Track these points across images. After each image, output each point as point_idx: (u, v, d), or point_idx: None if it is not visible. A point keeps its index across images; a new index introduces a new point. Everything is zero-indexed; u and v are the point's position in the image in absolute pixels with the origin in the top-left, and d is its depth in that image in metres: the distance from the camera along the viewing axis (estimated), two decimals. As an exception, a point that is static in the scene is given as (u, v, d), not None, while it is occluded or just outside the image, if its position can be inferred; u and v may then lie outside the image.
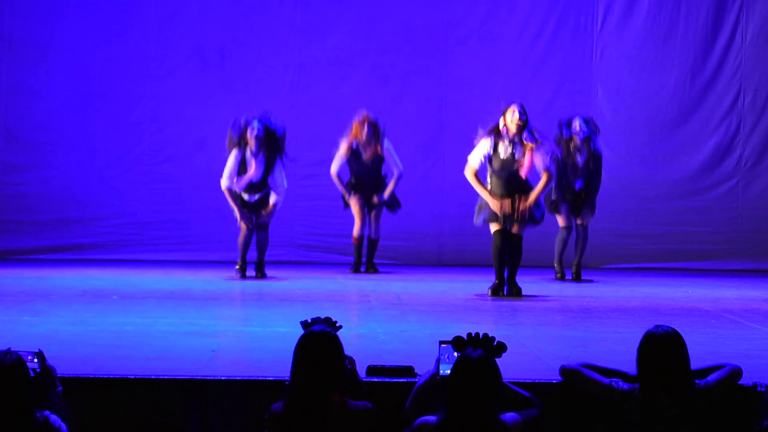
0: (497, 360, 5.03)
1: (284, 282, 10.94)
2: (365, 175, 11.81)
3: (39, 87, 13.06)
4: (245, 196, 11.19)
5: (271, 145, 11.08)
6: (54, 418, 4.93)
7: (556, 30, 13.30)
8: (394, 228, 12.64)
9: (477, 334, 5.09)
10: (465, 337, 5.12)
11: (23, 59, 13.10)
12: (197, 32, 13.17)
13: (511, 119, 9.88)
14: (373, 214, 11.94)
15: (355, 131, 11.71)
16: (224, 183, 11.15)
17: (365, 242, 11.96)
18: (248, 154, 11.07)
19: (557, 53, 13.29)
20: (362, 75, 13.09)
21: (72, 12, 13.10)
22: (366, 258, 11.99)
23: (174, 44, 13.16)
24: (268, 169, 11.12)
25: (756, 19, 13.28)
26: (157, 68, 13.15)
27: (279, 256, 12.66)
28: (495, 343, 5.07)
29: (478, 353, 4.97)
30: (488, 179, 9.98)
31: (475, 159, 9.99)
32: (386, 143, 11.77)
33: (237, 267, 11.24)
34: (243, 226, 11.21)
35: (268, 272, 11.27)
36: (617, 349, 6.72)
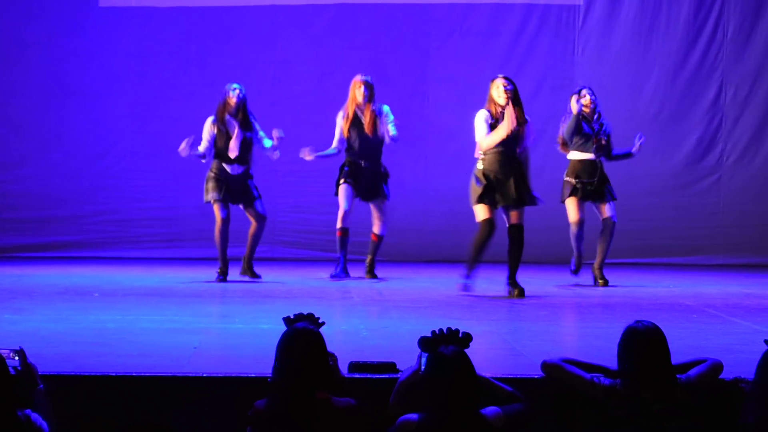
0: (472, 354, 5.04)
1: (266, 279, 10.92)
2: (365, 149, 11.09)
3: (18, 84, 13.03)
4: (228, 168, 10.74)
5: (247, 115, 10.80)
6: (35, 416, 4.91)
7: (539, 26, 13.32)
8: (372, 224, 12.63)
9: (441, 329, 5.10)
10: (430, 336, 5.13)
11: (6, 58, 13.08)
12: (178, 29, 13.16)
13: (497, 94, 9.67)
14: (374, 205, 11.24)
15: (352, 95, 11.34)
16: (203, 146, 10.78)
17: (366, 238, 11.35)
18: (229, 123, 10.75)
19: (539, 49, 13.31)
20: (344, 71, 13.05)
21: (51, 9, 13.07)
22: (368, 259, 11.27)
23: (155, 41, 13.14)
24: (249, 141, 10.79)
25: (737, 14, 13.32)
26: (137, 65, 13.13)
27: (261, 253, 12.63)
28: (461, 335, 5.08)
29: (451, 349, 4.99)
30: (480, 159, 9.68)
31: (480, 134, 9.67)
32: (386, 109, 11.30)
33: (219, 270, 10.72)
34: (217, 212, 10.71)
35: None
36: (598, 344, 6.73)
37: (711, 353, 5.66)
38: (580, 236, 10.86)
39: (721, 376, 5.47)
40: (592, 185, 10.92)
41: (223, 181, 10.76)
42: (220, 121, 10.79)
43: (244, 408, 5.18)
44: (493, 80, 9.75)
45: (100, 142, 13.13)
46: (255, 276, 10.82)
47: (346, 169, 11.14)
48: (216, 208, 10.75)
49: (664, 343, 5.22)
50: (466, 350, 5.05)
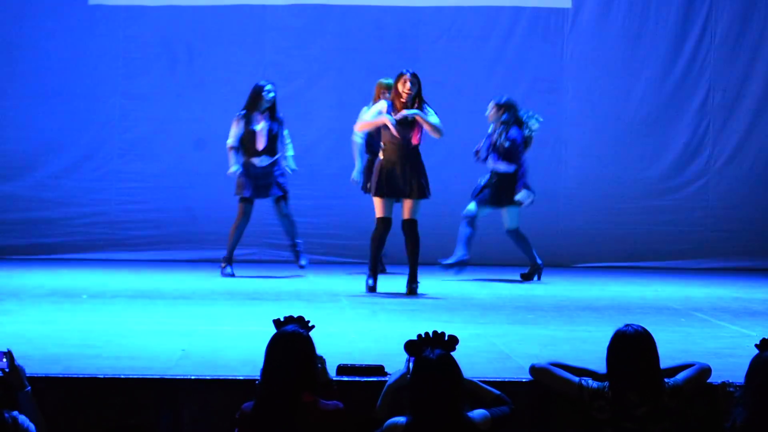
0: (460, 357, 5.04)
1: (255, 281, 10.92)
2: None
3: (5, 85, 12.98)
4: (255, 161, 11.16)
5: (276, 111, 11.23)
6: (22, 418, 4.90)
7: (527, 29, 13.31)
8: (363, 226, 12.62)
9: (427, 333, 5.10)
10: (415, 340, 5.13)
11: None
12: (166, 29, 13.12)
13: (402, 89, 9.99)
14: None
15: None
16: (230, 141, 11.19)
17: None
18: (254, 118, 11.14)
19: (528, 53, 13.30)
20: (332, 74, 13.08)
21: (40, 9, 13.03)
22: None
23: (143, 42, 13.11)
24: (276, 133, 11.19)
25: (725, 19, 13.34)
26: (125, 66, 13.10)
27: (249, 255, 12.64)
28: (446, 338, 5.08)
29: (437, 353, 4.99)
30: (381, 147, 10.07)
31: (368, 114, 10.21)
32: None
33: (222, 263, 11.13)
34: (241, 207, 11.17)
35: (238, 271, 11.22)
36: (587, 348, 6.74)
37: (699, 357, 5.67)
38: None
39: (708, 381, 5.48)
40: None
41: (251, 177, 11.15)
42: (247, 117, 11.16)
43: (232, 410, 5.17)
44: (400, 74, 10.06)
45: (87, 144, 13.08)
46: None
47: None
48: (241, 205, 11.23)
49: (653, 347, 5.23)
50: (453, 353, 5.05)
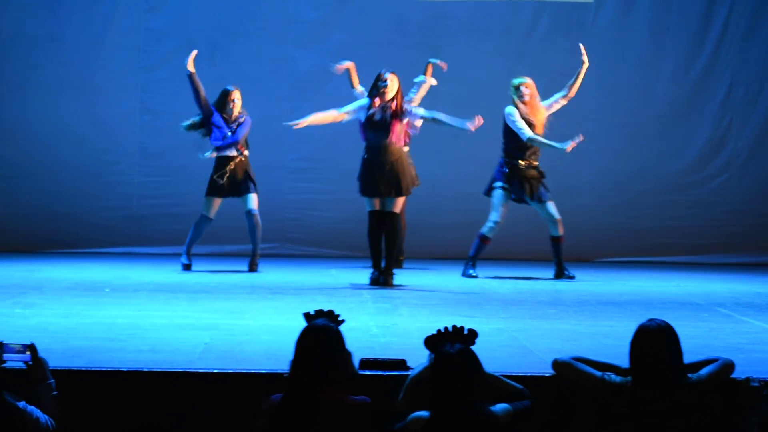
0: (482, 351, 5.04)
1: (276, 275, 10.93)
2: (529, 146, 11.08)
3: (26, 79, 13.01)
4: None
5: None
6: (31, 408, 4.92)
7: (549, 24, 13.29)
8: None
9: (446, 328, 5.10)
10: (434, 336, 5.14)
11: (13, 53, 13.06)
12: (187, 23, 13.14)
13: (381, 88, 10.12)
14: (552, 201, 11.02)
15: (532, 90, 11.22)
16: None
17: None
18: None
19: (549, 47, 13.27)
20: (354, 68, 13.07)
21: (62, 4, 13.06)
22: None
23: (164, 35, 13.13)
24: None
25: (747, 13, 13.30)
26: (146, 59, 13.13)
27: (270, 250, 12.64)
28: (465, 332, 5.08)
29: (457, 347, 4.99)
30: (365, 147, 10.24)
31: (346, 108, 10.31)
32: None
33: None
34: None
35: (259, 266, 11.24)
36: (609, 343, 6.73)
37: (722, 352, 5.66)
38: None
39: (732, 376, 5.46)
40: None
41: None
42: None
43: (254, 404, 5.18)
44: (380, 74, 10.19)
45: (108, 138, 13.11)
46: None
47: (505, 170, 11.03)
48: None
49: (677, 341, 5.22)
50: (475, 347, 5.05)
